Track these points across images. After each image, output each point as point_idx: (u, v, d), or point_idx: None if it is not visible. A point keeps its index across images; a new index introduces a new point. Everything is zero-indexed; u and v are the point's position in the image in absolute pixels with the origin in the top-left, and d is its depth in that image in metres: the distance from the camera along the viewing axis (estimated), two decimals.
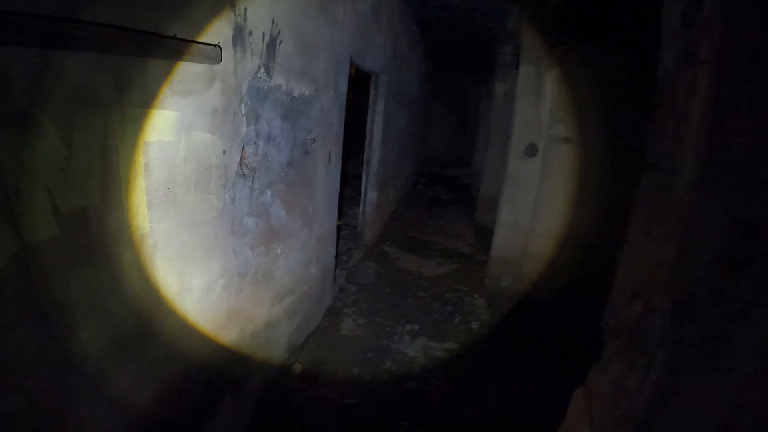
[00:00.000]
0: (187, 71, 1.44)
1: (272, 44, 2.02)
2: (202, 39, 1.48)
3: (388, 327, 3.61)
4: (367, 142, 5.02)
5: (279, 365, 2.72)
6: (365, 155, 5.06)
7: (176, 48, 1.34)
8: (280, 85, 2.19)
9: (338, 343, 3.31)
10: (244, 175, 1.98)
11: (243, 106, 1.87)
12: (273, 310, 2.49)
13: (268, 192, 2.26)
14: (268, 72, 2.04)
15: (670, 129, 1.08)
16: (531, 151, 3.98)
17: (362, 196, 5.22)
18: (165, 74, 1.35)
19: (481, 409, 2.77)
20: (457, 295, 4.36)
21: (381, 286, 4.37)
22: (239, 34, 1.73)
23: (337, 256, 4.93)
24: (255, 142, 2.04)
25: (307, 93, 2.54)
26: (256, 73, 1.94)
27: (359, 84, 5.09)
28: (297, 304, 2.85)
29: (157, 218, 1.40)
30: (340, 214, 6.64)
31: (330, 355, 3.14)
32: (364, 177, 5.14)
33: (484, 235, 6.34)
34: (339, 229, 5.82)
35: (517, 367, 3.21)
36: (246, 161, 1.99)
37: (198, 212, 1.63)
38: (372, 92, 4.87)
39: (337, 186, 3.42)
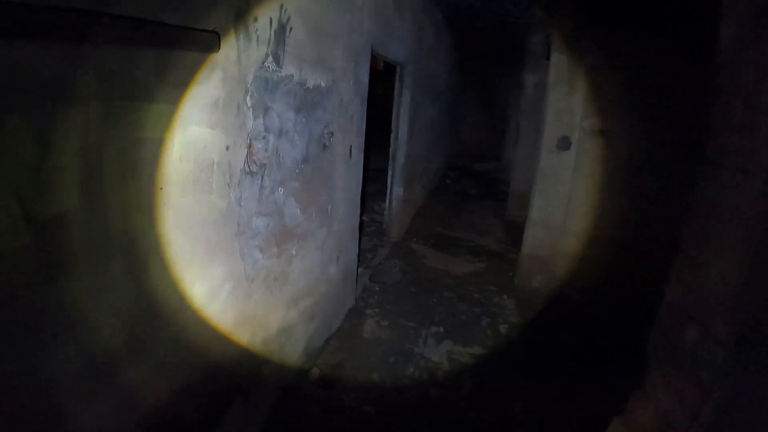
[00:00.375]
0: (180, 60, 1.32)
1: (281, 31, 1.89)
2: (198, 25, 1.36)
3: (412, 329, 3.46)
4: (392, 135, 4.85)
5: (296, 370, 2.61)
6: (391, 149, 4.90)
7: (166, 35, 1.22)
8: (292, 75, 2.06)
9: (359, 347, 3.18)
10: (252, 172, 1.86)
11: (249, 98, 1.74)
12: (288, 314, 2.38)
13: (281, 190, 2.14)
14: (277, 61, 1.91)
15: (736, 119, 0.88)
16: (564, 144, 3.73)
17: (388, 192, 5.07)
18: (154, 63, 1.24)
19: (507, 419, 2.59)
20: (485, 295, 4.16)
21: (406, 286, 4.22)
22: (241, 20, 1.60)
23: (361, 254, 4.81)
24: (264, 137, 1.92)
25: (323, 84, 2.40)
26: (263, 62, 1.81)
27: (385, 76, 4.94)
28: (315, 306, 2.73)
29: (149, 222, 1.30)
30: (366, 209, 6.53)
31: (350, 359, 3.01)
32: (389, 172, 4.99)
33: (514, 231, 6.10)
34: (363, 225, 5.71)
35: (548, 375, 3.01)
36: (254, 158, 1.87)
37: (197, 214, 1.51)
38: (397, 84, 4.70)
39: (359, 181, 3.28)
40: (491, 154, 11.81)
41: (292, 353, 2.52)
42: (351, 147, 2.93)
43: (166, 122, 1.31)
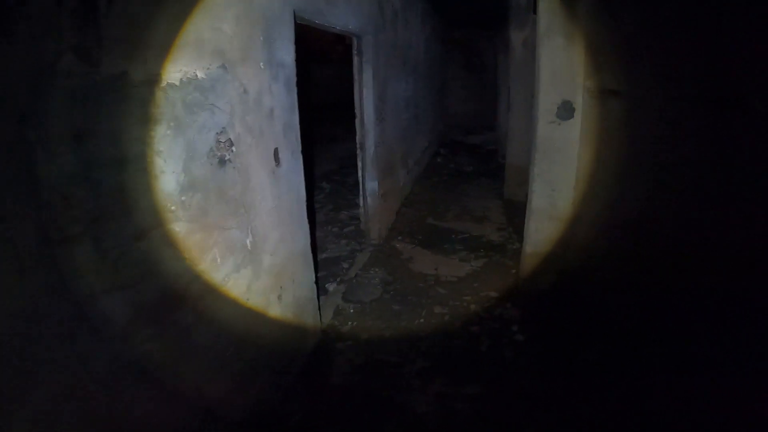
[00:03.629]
0: None
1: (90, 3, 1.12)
2: None
3: (392, 367, 2.75)
4: (357, 120, 4.07)
5: None
6: (357, 137, 4.12)
7: None
8: (125, 72, 1.30)
9: (324, 400, 2.48)
10: (67, 239, 1.12)
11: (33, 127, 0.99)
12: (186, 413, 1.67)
13: (143, 243, 1.39)
14: (86, 56, 1.14)
15: None
16: (565, 111, 2.94)
17: (360, 188, 4.31)
18: None
19: None
20: (484, 306, 3.43)
21: (387, 303, 3.49)
22: None
23: (334, 263, 4.09)
24: (87, 181, 1.17)
25: (202, 74, 1.63)
26: (55, 63, 1.05)
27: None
28: (244, 376, 2.02)
29: None
30: (345, 204, 5.77)
31: (309, 419, 2.32)
32: (359, 164, 4.22)
33: (515, 213, 5.34)
34: (342, 224, 4.96)
35: (567, 419, 2.30)
36: (73, 213, 1.13)
37: None
38: (355, 59, 3.89)
39: (300, 192, 2.52)
40: (485, 125, 10.95)
41: None
42: (276, 151, 2.17)
43: None
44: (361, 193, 4.32)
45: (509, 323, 3.20)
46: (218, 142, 1.76)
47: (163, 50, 1.46)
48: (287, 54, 2.22)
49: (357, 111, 4.02)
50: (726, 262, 1.85)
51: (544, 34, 2.87)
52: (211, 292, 1.79)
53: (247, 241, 2.02)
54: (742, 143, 1.82)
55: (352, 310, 3.41)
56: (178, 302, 1.61)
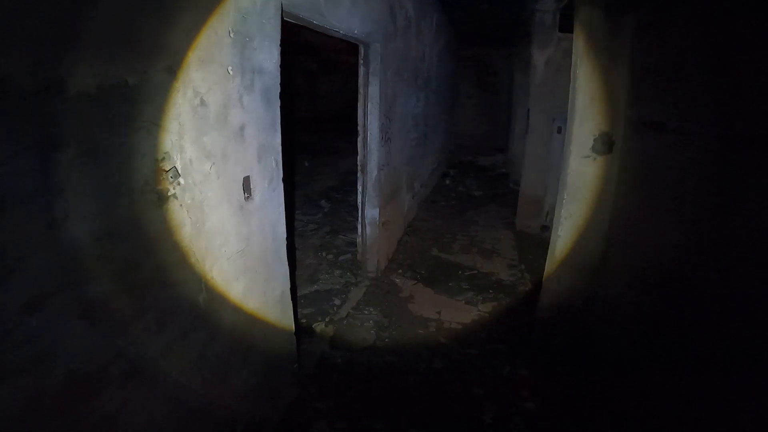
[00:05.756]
0: None
1: None
2: None
3: None
4: (359, 139, 3.62)
5: None
6: (359, 158, 3.67)
7: None
8: (4, 77, 0.85)
9: None
10: None
11: None
12: None
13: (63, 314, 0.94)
14: None
15: None
16: (603, 144, 2.48)
17: (359, 215, 3.85)
18: None
19: None
20: (490, 361, 2.94)
21: (380, 353, 3.00)
22: None
23: (325, 298, 3.60)
24: None
25: (134, 80, 1.19)
26: None
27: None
28: None
29: None
30: (343, 227, 5.27)
31: None
32: (359, 188, 3.76)
33: (528, 247, 4.86)
34: (337, 251, 4.45)
35: None
36: None
37: None
38: (361, 70, 3.45)
39: (279, 227, 2.06)
40: (496, 146, 10.49)
41: None
42: (248, 180, 1.71)
43: None
44: (359, 221, 3.85)
45: (519, 386, 2.71)
46: (158, 171, 1.31)
47: (69, 44, 1.02)
48: (268, 58, 1.77)
49: (360, 128, 3.58)
50: None
51: (582, 54, 2.42)
52: (143, 370, 1.33)
53: (200, 299, 1.56)
54: None
55: (339, 360, 2.92)
56: (96, 386, 1.15)
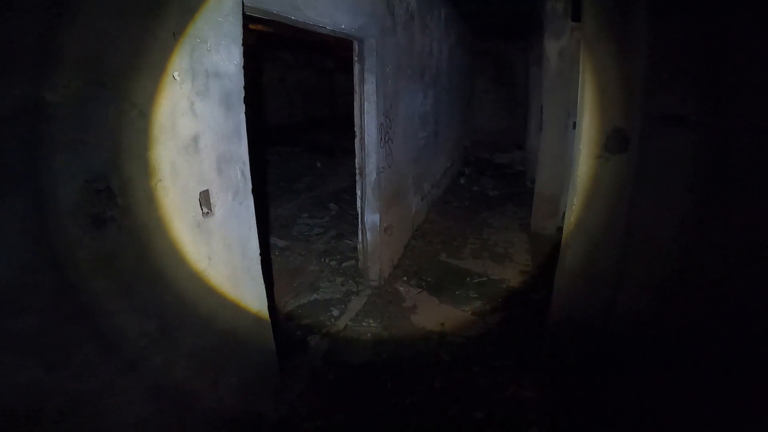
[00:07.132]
0: None
1: None
2: None
3: None
4: (356, 140, 3.43)
5: None
6: (356, 161, 3.47)
7: None
8: None
9: None
10: None
11: None
12: None
13: None
14: None
15: None
16: (617, 142, 2.22)
17: (359, 221, 3.66)
18: None
19: None
20: (496, 380, 2.71)
21: (377, 369, 2.81)
22: None
23: (324, 307, 3.37)
24: None
25: (55, 96, 1.03)
26: None
27: None
28: None
29: None
30: (349, 231, 5.07)
31: None
32: (358, 192, 3.57)
33: (542, 250, 4.58)
34: (341, 257, 4.24)
35: None
36: None
37: None
38: (356, 67, 3.26)
39: (250, 244, 1.87)
40: (514, 143, 10.15)
41: None
42: (206, 194, 1.54)
43: None
44: (359, 227, 3.66)
45: (525, 408, 2.48)
46: (91, 193, 1.14)
47: None
48: (227, 59, 1.59)
49: (356, 129, 3.38)
50: None
51: (593, 38, 2.16)
52: (74, 409, 1.17)
53: (151, 325, 1.39)
54: None
55: (332, 376, 2.74)
56: (28, 426, 1.01)
